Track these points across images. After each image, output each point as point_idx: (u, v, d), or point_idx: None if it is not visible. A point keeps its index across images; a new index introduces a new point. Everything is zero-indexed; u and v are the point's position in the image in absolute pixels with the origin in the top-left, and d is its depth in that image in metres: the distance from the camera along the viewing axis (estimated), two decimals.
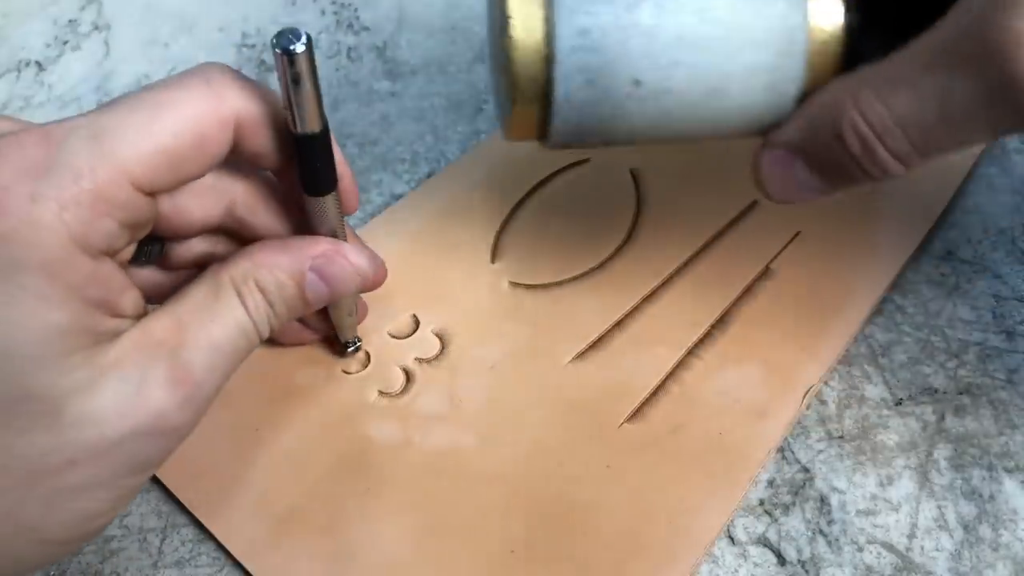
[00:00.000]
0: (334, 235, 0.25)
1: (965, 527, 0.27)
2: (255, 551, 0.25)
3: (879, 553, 0.26)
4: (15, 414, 0.19)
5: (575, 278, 0.32)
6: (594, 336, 0.31)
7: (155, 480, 0.27)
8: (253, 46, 0.43)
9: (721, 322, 0.31)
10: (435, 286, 0.32)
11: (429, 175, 0.37)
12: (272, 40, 0.20)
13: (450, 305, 0.31)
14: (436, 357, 0.30)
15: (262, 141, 0.22)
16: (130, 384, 0.20)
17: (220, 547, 0.26)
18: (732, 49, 0.22)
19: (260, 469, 0.27)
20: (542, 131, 0.24)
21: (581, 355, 0.30)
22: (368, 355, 0.30)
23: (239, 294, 0.23)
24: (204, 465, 0.27)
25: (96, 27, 0.45)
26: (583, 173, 0.36)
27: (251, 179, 0.25)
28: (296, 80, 0.21)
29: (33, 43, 0.44)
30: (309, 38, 0.20)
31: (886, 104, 0.21)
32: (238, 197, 0.24)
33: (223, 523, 0.26)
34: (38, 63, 0.43)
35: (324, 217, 0.24)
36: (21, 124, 0.21)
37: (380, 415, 0.28)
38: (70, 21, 0.45)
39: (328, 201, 0.24)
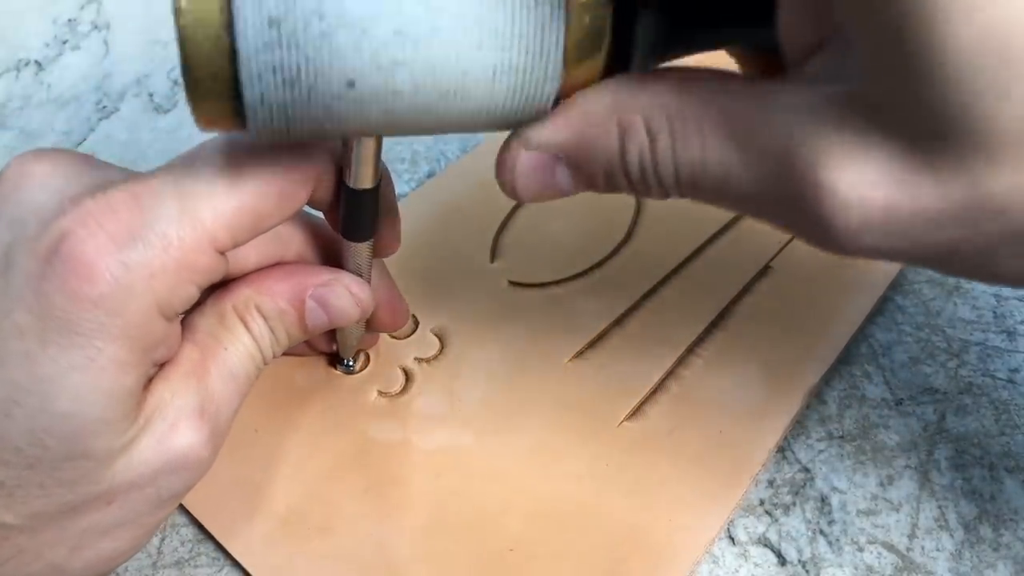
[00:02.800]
0: (359, 274, 0.25)
1: (966, 527, 0.27)
2: (254, 551, 0.25)
3: (879, 553, 0.26)
4: (66, 469, 0.19)
5: (574, 277, 0.32)
6: (593, 335, 0.31)
7: None
8: None
9: (720, 320, 0.31)
10: (434, 286, 0.32)
11: (429, 175, 0.37)
12: None
13: (449, 305, 0.31)
14: (435, 357, 0.30)
15: (326, 188, 0.22)
16: (165, 424, 0.20)
17: (220, 547, 0.26)
18: (468, 47, 0.18)
19: (260, 469, 0.27)
20: (239, 125, 0.19)
21: (580, 354, 0.30)
22: (368, 355, 0.30)
23: (243, 321, 0.23)
24: None
25: (96, 27, 0.44)
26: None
27: (306, 228, 0.25)
28: (362, 139, 0.20)
29: (33, 43, 0.44)
30: None
31: (681, 141, 0.18)
32: (293, 247, 0.24)
33: (222, 523, 0.26)
34: (38, 63, 0.43)
35: (354, 260, 0.24)
36: (100, 169, 0.20)
37: (380, 415, 0.28)
38: (70, 21, 0.45)
39: (363, 247, 0.24)
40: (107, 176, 0.20)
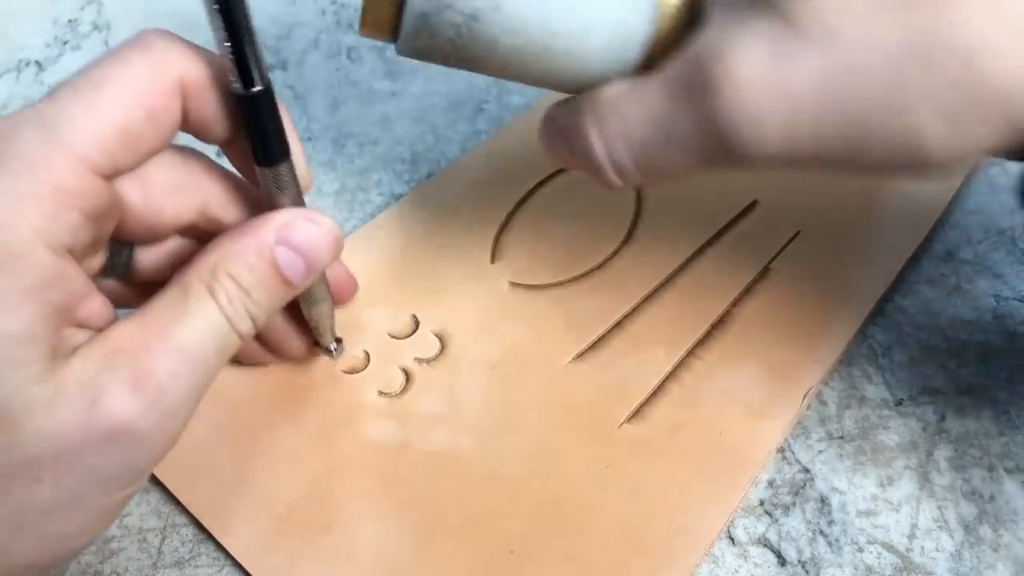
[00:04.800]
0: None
1: (965, 527, 0.27)
2: (254, 551, 0.25)
3: (879, 553, 0.26)
4: None
5: (575, 278, 0.32)
6: (594, 337, 0.31)
7: (155, 480, 0.27)
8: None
9: (721, 323, 0.31)
10: (435, 286, 0.32)
11: (429, 175, 0.37)
12: None
13: (450, 305, 0.31)
14: (436, 357, 0.30)
15: (209, 106, 0.21)
16: (88, 395, 0.19)
17: (220, 547, 0.26)
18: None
19: (260, 469, 0.27)
20: (391, 34, 0.23)
21: (581, 355, 0.30)
22: (368, 355, 0.30)
23: (210, 290, 0.21)
24: (204, 465, 0.27)
25: (96, 27, 0.45)
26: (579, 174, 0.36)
27: (223, 177, 0.24)
28: (233, 32, 0.20)
29: (33, 43, 0.44)
30: None
31: (623, 123, 0.22)
32: (211, 195, 0.23)
33: (222, 523, 0.26)
34: (38, 63, 0.43)
35: (281, 190, 0.23)
36: None
37: (379, 415, 0.28)
38: (70, 21, 0.45)
39: (283, 171, 0.23)
40: None
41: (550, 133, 0.25)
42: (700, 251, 0.33)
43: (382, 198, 0.36)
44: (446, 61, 0.24)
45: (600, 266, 0.33)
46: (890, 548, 0.26)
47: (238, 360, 0.29)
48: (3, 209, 0.17)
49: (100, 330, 0.20)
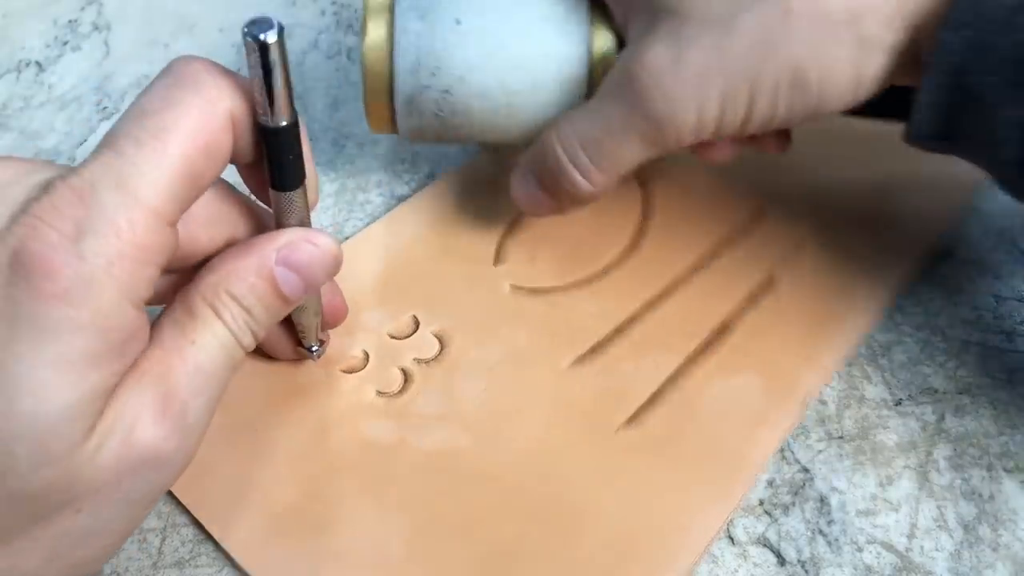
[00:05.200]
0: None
1: (965, 527, 0.27)
2: (253, 551, 0.25)
3: (879, 553, 0.26)
4: (33, 478, 0.18)
5: (577, 283, 0.32)
6: (594, 341, 0.31)
7: None
8: None
9: (722, 331, 0.31)
10: (437, 287, 0.32)
11: (429, 175, 0.37)
12: (244, 29, 0.20)
13: (451, 306, 0.31)
14: (435, 358, 0.30)
15: (244, 135, 0.22)
16: (124, 425, 0.20)
17: (220, 547, 0.26)
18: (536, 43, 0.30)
19: (258, 469, 0.27)
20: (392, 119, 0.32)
21: (580, 359, 0.30)
22: (367, 355, 0.30)
23: (213, 309, 0.22)
24: (203, 466, 0.27)
25: (96, 27, 0.45)
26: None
27: (248, 207, 0.25)
28: (268, 71, 0.20)
29: (33, 43, 0.44)
30: (281, 27, 0.20)
31: (574, 127, 0.28)
32: (240, 226, 0.24)
33: (222, 524, 0.26)
34: (38, 63, 0.43)
35: (291, 213, 0.24)
36: (38, 168, 0.20)
37: (377, 415, 0.28)
38: (70, 21, 0.45)
39: (296, 197, 0.23)
40: (45, 173, 0.20)
41: (521, 173, 0.31)
42: (703, 260, 0.33)
43: (382, 198, 0.36)
44: (441, 136, 0.32)
45: (603, 272, 0.33)
46: (889, 548, 0.26)
47: None
48: (97, 272, 0.18)
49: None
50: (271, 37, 0.20)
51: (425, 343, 0.30)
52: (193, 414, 0.21)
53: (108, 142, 0.20)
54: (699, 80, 0.26)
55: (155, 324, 0.22)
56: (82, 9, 0.45)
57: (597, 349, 0.30)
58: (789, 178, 0.36)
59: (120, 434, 0.20)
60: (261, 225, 0.25)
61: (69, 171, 0.19)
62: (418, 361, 0.30)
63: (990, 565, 0.26)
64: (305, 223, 0.24)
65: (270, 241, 0.23)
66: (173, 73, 0.21)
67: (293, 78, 0.21)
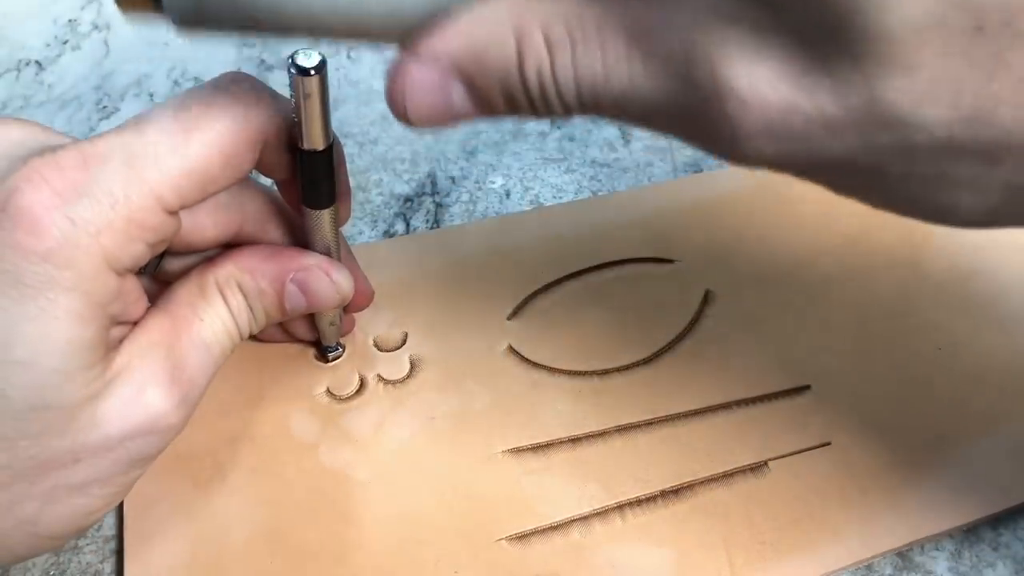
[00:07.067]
0: (327, 248, 0.25)
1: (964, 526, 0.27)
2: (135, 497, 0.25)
3: None
4: (30, 420, 0.19)
5: (569, 373, 0.30)
6: (542, 440, 0.28)
7: None
8: (253, 46, 0.43)
9: (674, 494, 0.27)
10: (443, 315, 0.31)
11: (429, 175, 0.37)
12: (287, 59, 0.20)
13: (442, 340, 0.30)
14: (396, 382, 0.29)
15: (278, 153, 0.23)
16: (132, 387, 0.21)
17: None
18: None
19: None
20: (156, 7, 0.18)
21: (517, 452, 0.27)
22: (342, 351, 0.30)
23: (223, 295, 0.24)
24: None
25: (96, 27, 0.45)
26: (658, 274, 0.32)
27: (262, 197, 0.25)
28: (307, 98, 0.21)
29: (33, 43, 0.44)
30: (323, 59, 0.21)
31: (582, 52, 0.17)
32: (249, 215, 0.25)
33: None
34: (38, 63, 0.43)
35: (320, 230, 0.25)
36: (53, 136, 0.21)
37: (312, 410, 0.28)
38: (70, 21, 0.45)
39: (325, 215, 0.24)
40: (59, 140, 0.20)
41: (434, 87, 0.18)
42: (709, 410, 0.29)
43: (382, 198, 0.36)
44: (238, 17, 0.18)
45: (602, 373, 0.30)
46: None
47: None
48: (83, 237, 0.19)
49: (136, 322, 0.22)
50: (312, 69, 0.20)
51: (397, 364, 0.29)
52: (198, 388, 0.23)
53: (135, 122, 0.21)
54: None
55: (166, 295, 0.23)
56: (82, 9, 0.45)
57: (540, 449, 0.27)
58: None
59: (125, 396, 0.21)
60: (273, 212, 0.26)
61: (85, 140, 0.20)
62: (380, 378, 0.29)
63: (990, 564, 0.26)
64: (331, 242, 0.25)
65: (293, 259, 0.25)
66: (222, 81, 0.22)
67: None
